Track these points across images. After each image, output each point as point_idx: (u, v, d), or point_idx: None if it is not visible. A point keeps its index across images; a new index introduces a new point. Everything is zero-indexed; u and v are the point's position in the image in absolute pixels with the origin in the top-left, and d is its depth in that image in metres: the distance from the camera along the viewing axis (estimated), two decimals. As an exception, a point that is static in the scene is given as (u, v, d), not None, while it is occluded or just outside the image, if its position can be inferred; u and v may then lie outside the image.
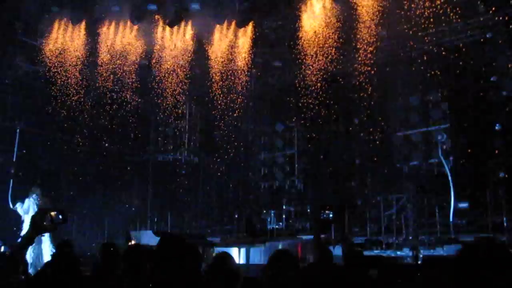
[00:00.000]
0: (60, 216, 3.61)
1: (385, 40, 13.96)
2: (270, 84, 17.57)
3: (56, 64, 15.82)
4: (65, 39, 15.77)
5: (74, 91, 15.78)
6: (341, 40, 13.99)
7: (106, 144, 17.14)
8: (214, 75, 16.28)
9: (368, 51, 13.54)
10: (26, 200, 12.23)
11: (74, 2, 14.45)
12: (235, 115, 16.22)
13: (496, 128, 13.38)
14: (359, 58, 13.74)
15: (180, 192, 17.74)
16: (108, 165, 17.34)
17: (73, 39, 15.50)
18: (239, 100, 16.31)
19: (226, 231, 16.54)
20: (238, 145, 16.86)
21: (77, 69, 15.95)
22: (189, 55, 16.16)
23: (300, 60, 14.85)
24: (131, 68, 16.10)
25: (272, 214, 15.61)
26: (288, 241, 14.41)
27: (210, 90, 16.39)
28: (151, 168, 17.82)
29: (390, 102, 15.58)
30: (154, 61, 16.13)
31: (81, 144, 16.58)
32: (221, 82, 16.17)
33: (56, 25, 15.33)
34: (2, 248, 11.60)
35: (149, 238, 13.19)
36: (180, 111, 18.03)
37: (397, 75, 14.85)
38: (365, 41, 13.38)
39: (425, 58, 13.69)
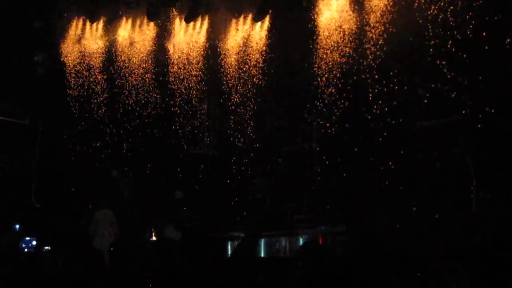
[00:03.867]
0: None
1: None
2: (287, 78, 17.53)
3: (76, 63, 16.06)
4: (84, 38, 15.95)
5: (96, 90, 16.04)
6: (358, 32, 13.93)
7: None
8: (229, 70, 16.36)
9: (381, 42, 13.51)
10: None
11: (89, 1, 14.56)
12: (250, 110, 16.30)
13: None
14: (375, 50, 13.69)
15: (200, 188, 17.81)
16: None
17: (92, 37, 15.66)
18: (254, 94, 16.39)
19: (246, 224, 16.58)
20: (257, 140, 16.91)
21: (99, 67, 16.19)
22: (205, 50, 16.27)
23: (317, 54, 14.84)
24: (149, 65, 16.24)
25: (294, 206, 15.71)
26: (309, 232, 14.44)
27: (225, 86, 16.51)
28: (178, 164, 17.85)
29: (409, 92, 15.44)
30: (171, 57, 16.25)
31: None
32: (236, 77, 16.26)
33: (74, 23, 15.50)
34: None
35: (170, 232, 13.31)
36: (197, 108, 18.10)
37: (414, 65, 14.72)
38: (379, 32, 13.34)
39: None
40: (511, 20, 12.99)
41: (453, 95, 14.80)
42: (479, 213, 12.91)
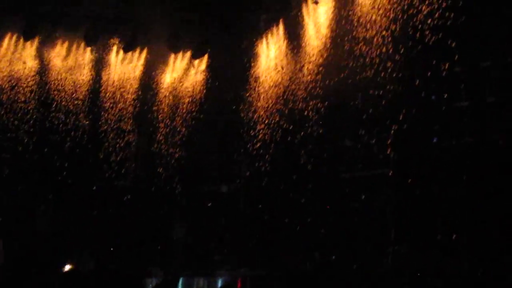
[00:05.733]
0: None
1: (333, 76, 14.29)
2: (220, 118, 17.63)
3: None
4: (14, 55, 15.44)
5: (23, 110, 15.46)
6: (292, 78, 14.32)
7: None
8: (161, 104, 16.33)
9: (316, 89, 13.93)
10: None
11: (29, 17, 14.14)
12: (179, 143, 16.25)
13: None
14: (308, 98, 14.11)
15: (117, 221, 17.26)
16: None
17: (24, 56, 15.18)
18: (183, 129, 16.38)
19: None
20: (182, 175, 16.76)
21: (28, 87, 15.66)
22: (140, 82, 16.17)
23: (251, 97, 15.10)
24: (82, 90, 15.89)
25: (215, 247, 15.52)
26: (228, 274, 14.26)
27: (155, 119, 16.41)
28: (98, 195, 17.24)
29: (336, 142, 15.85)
30: (104, 84, 16.00)
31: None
32: (167, 113, 16.23)
33: (7, 39, 14.99)
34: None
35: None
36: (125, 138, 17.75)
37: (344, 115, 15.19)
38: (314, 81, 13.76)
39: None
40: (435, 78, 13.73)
41: (377, 149, 15.34)
42: (396, 265, 13.20)
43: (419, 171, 14.23)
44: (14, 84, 15.78)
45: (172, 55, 15.84)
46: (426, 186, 13.88)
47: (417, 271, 12.42)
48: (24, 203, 16.07)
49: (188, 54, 15.78)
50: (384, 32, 12.54)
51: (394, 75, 13.30)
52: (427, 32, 11.93)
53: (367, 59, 13.10)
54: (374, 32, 12.72)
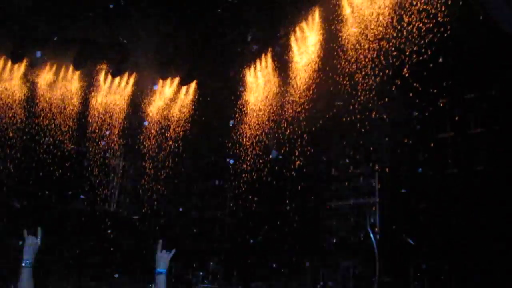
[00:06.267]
0: None
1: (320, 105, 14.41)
2: (207, 145, 17.62)
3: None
4: (2, 78, 15.38)
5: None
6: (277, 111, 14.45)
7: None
8: (150, 130, 16.29)
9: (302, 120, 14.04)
10: None
11: (17, 39, 14.11)
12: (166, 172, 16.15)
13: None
14: (292, 128, 14.20)
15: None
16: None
17: (12, 78, 15.12)
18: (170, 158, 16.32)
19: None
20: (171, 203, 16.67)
21: (12, 111, 15.53)
22: (128, 108, 16.15)
23: (238, 125, 15.15)
24: (69, 114, 15.82)
25: (200, 274, 15.28)
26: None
27: (143, 146, 16.33)
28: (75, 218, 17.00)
29: (321, 172, 15.90)
30: (91, 109, 15.95)
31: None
32: (154, 139, 16.19)
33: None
34: None
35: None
36: (111, 163, 17.66)
37: (329, 144, 15.28)
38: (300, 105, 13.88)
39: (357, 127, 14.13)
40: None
41: (363, 178, 15.40)
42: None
43: (405, 201, 14.31)
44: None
45: (160, 81, 15.86)
46: (411, 216, 13.93)
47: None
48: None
49: (176, 80, 15.81)
50: (370, 63, 12.72)
51: (379, 105, 13.48)
52: (412, 64, 12.12)
53: (354, 89, 13.26)
54: (360, 63, 12.90)
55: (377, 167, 14.94)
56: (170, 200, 16.77)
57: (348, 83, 13.18)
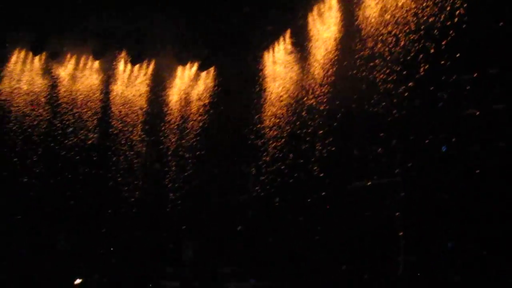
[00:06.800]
0: None
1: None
2: (226, 129, 17.62)
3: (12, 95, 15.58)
4: (23, 70, 15.57)
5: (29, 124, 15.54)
6: (300, 86, 14.32)
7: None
8: (169, 117, 16.37)
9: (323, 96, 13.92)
10: None
11: (36, 32, 14.28)
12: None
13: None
14: (319, 106, 14.07)
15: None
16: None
17: (32, 70, 15.31)
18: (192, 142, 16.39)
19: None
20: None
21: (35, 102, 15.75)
22: (148, 95, 16.23)
23: (259, 108, 15.11)
24: (90, 105, 15.98)
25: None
26: (238, 286, 14.20)
27: (164, 132, 16.43)
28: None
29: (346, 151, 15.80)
30: (112, 98, 16.08)
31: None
32: (175, 125, 16.26)
33: (15, 54, 15.15)
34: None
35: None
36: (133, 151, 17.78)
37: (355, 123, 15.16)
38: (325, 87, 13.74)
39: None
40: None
41: (385, 157, 15.28)
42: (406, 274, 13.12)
43: (429, 180, 14.17)
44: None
45: (180, 67, 15.89)
46: (435, 194, 13.81)
47: (427, 280, 12.34)
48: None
49: (195, 66, 15.82)
50: (392, 39, 12.56)
51: (403, 83, 13.31)
52: (434, 38, 11.93)
53: (375, 68, 13.11)
54: (381, 42, 12.75)
55: (400, 145, 14.81)
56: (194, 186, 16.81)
57: (369, 60, 13.06)
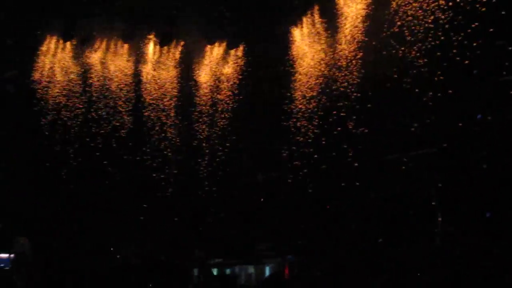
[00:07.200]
0: None
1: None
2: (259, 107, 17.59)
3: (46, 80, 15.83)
4: (55, 56, 15.79)
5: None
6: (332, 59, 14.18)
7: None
8: (200, 96, 16.42)
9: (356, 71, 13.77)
10: None
11: (65, 18, 14.42)
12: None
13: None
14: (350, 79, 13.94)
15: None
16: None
17: (64, 56, 15.51)
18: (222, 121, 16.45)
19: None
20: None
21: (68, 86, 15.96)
22: (178, 75, 16.29)
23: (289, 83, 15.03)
24: (122, 87, 16.14)
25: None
26: (275, 262, 14.36)
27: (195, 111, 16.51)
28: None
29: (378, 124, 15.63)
30: (143, 80, 16.20)
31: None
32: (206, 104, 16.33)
33: (47, 41, 15.35)
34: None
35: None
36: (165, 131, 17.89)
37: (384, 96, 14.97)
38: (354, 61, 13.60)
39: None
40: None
41: (419, 130, 15.08)
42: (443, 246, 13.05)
43: (464, 149, 13.96)
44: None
45: (208, 47, 15.87)
46: (472, 165, 13.62)
47: (465, 251, 12.24)
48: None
49: (224, 44, 15.78)
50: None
51: (436, 51, 13.08)
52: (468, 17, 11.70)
53: (407, 39, 12.90)
54: (412, 17, 12.53)
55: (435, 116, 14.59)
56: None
57: (402, 32, 12.85)
